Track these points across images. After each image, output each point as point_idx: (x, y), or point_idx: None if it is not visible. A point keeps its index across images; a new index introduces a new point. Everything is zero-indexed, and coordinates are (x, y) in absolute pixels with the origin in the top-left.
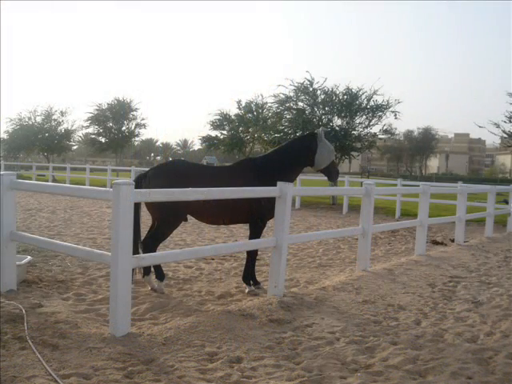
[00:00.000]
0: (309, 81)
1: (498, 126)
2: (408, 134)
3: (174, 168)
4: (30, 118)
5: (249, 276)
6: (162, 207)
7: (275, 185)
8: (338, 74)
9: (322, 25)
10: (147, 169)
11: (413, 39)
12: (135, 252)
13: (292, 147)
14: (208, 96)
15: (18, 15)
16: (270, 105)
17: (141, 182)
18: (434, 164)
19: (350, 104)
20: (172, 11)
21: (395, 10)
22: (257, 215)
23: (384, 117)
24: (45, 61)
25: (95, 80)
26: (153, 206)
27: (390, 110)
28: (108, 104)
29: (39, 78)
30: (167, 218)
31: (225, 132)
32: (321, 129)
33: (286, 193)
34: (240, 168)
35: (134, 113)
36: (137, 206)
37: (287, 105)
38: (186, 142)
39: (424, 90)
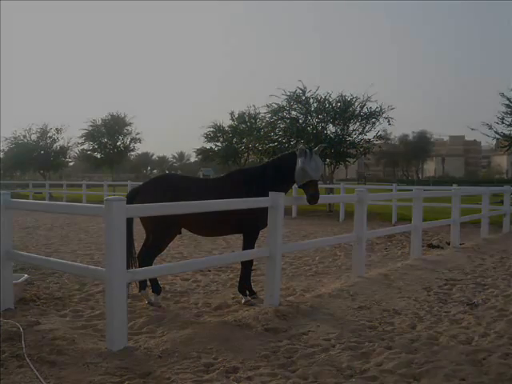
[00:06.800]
0: (301, 89)
1: (490, 127)
2: (403, 139)
3: (166, 182)
4: (24, 137)
5: (244, 286)
6: (155, 221)
7: (265, 195)
8: (331, 78)
9: (315, 28)
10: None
11: (405, 43)
12: (131, 267)
13: (275, 163)
14: (203, 106)
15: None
16: (262, 115)
17: (133, 196)
18: (430, 167)
19: (344, 111)
20: (164, 22)
21: (390, 12)
22: (249, 225)
23: (378, 123)
24: (36, 77)
25: (89, 94)
26: (146, 221)
27: (384, 116)
28: (102, 120)
29: (32, 95)
30: (160, 232)
31: (219, 144)
32: (301, 146)
33: (277, 203)
34: (230, 179)
35: (129, 127)
36: (129, 221)
37: (280, 114)
38: (182, 154)
39: (418, 94)
